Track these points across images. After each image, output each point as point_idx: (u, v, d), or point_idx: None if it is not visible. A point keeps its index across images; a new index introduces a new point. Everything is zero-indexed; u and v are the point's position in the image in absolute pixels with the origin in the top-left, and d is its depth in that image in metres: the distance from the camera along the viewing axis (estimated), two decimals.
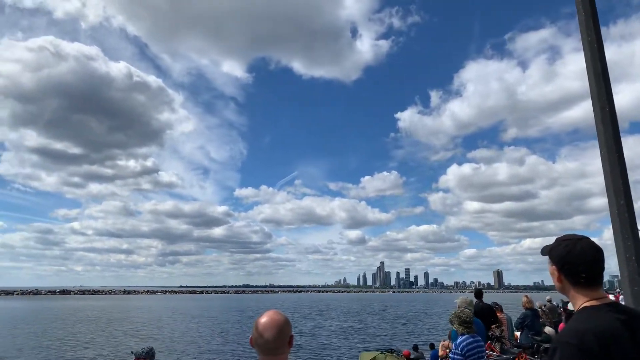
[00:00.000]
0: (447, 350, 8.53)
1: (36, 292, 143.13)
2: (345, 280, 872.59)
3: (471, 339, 4.93)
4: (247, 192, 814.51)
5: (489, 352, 8.28)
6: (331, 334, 28.15)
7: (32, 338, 25.65)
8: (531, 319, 9.76)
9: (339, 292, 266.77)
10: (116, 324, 35.31)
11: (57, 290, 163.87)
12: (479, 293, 9.41)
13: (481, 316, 8.01)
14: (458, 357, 4.77)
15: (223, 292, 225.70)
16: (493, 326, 9.39)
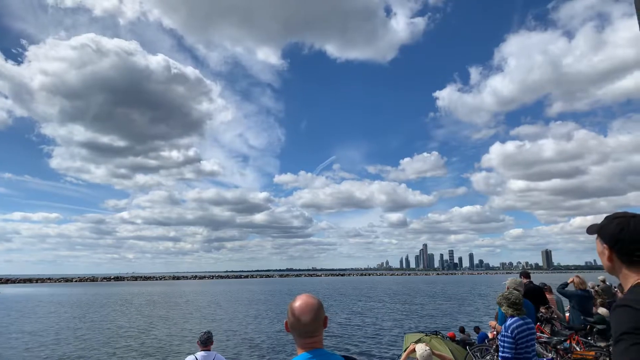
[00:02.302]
0: (495, 332, 8.47)
1: (93, 279, 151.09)
2: (387, 263, 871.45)
3: (521, 321, 4.88)
4: (286, 177, 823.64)
5: (539, 334, 8.17)
6: (376, 316, 28.32)
7: (100, 320, 27.32)
8: (583, 300, 9.48)
9: (381, 274, 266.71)
10: (176, 308, 37.02)
11: (112, 277, 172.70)
12: (526, 274, 9.24)
13: (530, 297, 7.88)
14: (508, 339, 4.75)
15: (267, 276, 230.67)
16: (542, 307, 9.22)
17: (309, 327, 2.05)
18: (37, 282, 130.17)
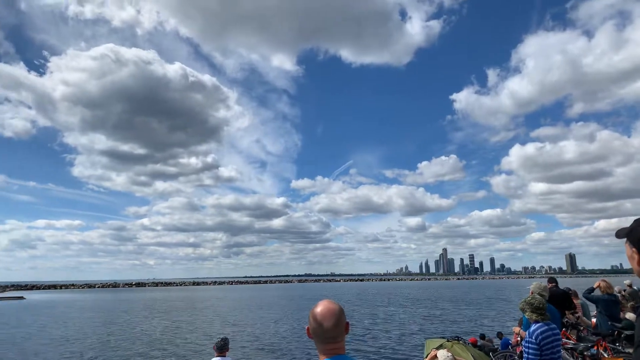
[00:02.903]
0: (519, 339, 8.25)
1: (115, 285, 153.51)
2: (407, 268, 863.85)
3: (545, 327, 4.72)
4: (303, 183, 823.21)
5: (564, 340, 7.92)
6: (396, 321, 28.04)
7: (124, 325, 27.70)
8: (610, 305, 9.17)
9: (401, 279, 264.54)
10: (196, 313, 37.32)
11: (133, 283, 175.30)
12: (552, 279, 9.00)
13: (555, 302, 7.66)
14: (532, 345, 4.59)
15: (286, 281, 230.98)
16: (568, 312, 8.97)
17: (331, 333, 2.03)
18: (61, 288, 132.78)
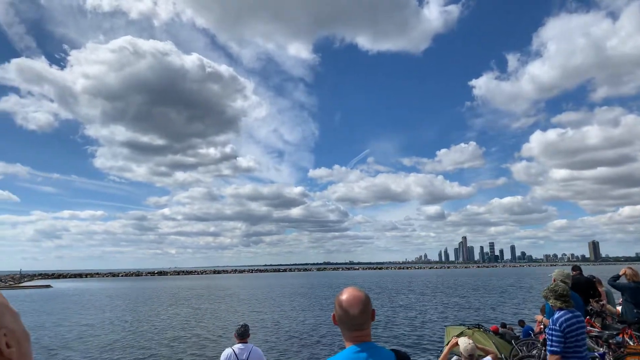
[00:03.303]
0: (542, 326, 8.13)
1: (137, 274, 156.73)
2: (426, 256, 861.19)
3: (570, 314, 4.61)
4: (320, 172, 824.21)
5: (589, 327, 7.77)
6: (416, 309, 28.00)
7: (150, 312, 28.35)
8: (636, 292, 8.95)
9: (420, 268, 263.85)
10: (218, 301, 37.94)
11: (156, 272, 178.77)
12: (576, 267, 8.81)
13: (579, 290, 7.51)
14: (556, 333, 4.50)
15: (305, 269, 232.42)
16: (592, 300, 8.80)
17: (358, 320, 2.04)
18: (86, 277, 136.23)
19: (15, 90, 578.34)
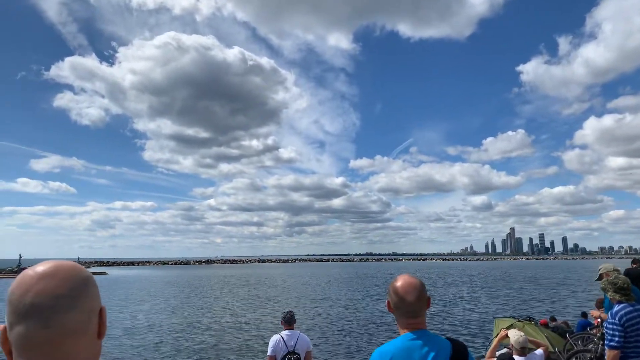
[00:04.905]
0: (598, 320, 7.78)
1: (186, 262, 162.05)
2: (472, 247, 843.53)
3: (630, 308, 4.39)
4: (361, 162, 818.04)
5: None
6: (464, 300, 27.52)
7: (203, 299, 29.46)
8: None
9: (465, 259, 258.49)
10: (266, 288, 38.90)
11: (203, 260, 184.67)
12: (636, 260, 8.36)
13: (638, 283, 7.13)
14: (616, 327, 4.29)
15: (348, 260, 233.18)
16: None
17: (414, 307, 2.03)
18: (138, 265, 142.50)
19: (70, 88, 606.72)
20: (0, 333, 0.96)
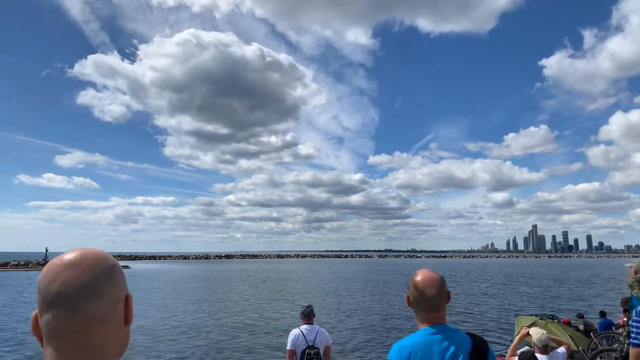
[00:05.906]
0: (625, 319, 7.60)
1: (206, 257, 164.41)
2: (493, 245, 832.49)
3: None
4: (380, 159, 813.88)
5: None
6: (486, 297, 27.22)
7: (226, 293, 29.86)
8: None
9: (486, 256, 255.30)
10: (286, 283, 39.19)
11: (223, 255, 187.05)
12: None
13: None
14: None
15: (367, 256, 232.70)
16: None
17: (434, 301, 2.03)
18: (159, 259, 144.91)
19: (92, 85, 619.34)
20: (32, 319, 0.99)
